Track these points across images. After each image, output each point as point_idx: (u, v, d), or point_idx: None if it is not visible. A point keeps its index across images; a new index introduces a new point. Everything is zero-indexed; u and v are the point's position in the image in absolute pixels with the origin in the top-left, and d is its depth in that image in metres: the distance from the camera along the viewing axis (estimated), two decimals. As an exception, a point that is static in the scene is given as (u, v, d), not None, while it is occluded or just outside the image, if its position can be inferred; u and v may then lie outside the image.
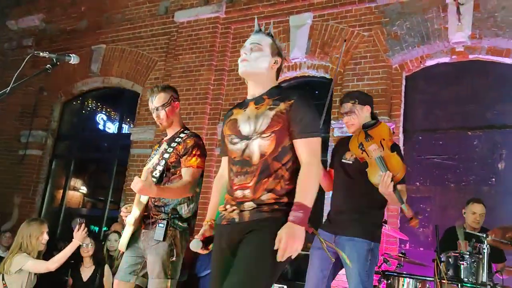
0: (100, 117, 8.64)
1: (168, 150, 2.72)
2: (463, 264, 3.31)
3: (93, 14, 7.72)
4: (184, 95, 6.30)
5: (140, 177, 2.37)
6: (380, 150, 2.74)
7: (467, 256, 3.32)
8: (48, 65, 2.22)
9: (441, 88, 5.15)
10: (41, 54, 2.17)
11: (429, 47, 5.07)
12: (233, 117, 2.08)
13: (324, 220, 3.05)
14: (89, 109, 8.47)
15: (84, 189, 8.72)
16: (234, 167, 1.98)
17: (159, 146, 2.90)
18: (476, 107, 4.91)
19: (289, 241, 1.69)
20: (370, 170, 2.73)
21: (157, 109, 2.77)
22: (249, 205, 1.90)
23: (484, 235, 3.24)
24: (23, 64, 2.24)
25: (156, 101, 2.77)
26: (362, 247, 2.73)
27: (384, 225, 3.78)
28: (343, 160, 2.91)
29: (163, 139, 2.95)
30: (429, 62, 5.20)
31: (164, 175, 2.68)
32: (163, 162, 2.69)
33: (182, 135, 2.78)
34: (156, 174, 2.67)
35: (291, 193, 1.89)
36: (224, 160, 2.15)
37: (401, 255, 3.85)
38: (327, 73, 5.69)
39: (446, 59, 5.11)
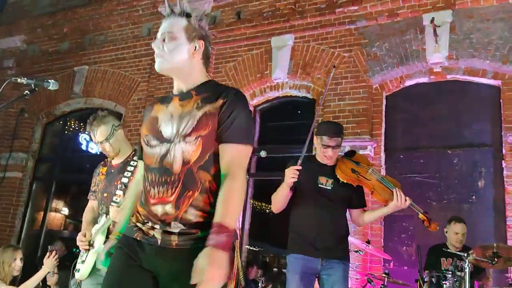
0: (83, 138, 8.53)
1: (126, 175, 2.68)
2: (445, 283, 3.33)
3: (76, 35, 7.71)
4: (167, 116, 6.30)
5: None
6: (377, 172, 2.98)
7: (450, 275, 3.34)
8: (26, 92, 2.20)
9: (420, 108, 5.24)
10: (19, 80, 2.15)
11: (408, 67, 5.18)
12: (153, 115, 1.72)
13: (292, 243, 2.99)
14: (71, 129, 8.38)
15: (65, 211, 8.57)
16: (150, 175, 1.63)
17: (107, 171, 2.85)
18: (455, 126, 5.01)
19: (212, 271, 1.35)
20: (376, 191, 2.91)
21: (100, 143, 2.75)
22: (175, 225, 1.56)
23: (465, 254, 3.27)
24: (2, 87, 2.21)
25: (98, 135, 2.74)
26: (347, 269, 2.92)
27: (367, 245, 3.81)
28: (319, 185, 2.94)
29: (108, 162, 2.90)
30: (408, 82, 5.31)
31: None
32: (122, 186, 2.65)
33: (134, 159, 2.76)
34: (116, 199, 2.64)
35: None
36: (141, 164, 1.79)
37: (384, 275, 3.86)
38: (309, 93, 5.75)
39: (424, 79, 5.22)
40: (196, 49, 1.70)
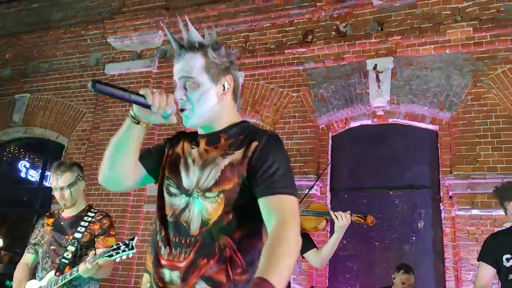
0: (23, 165, 8.11)
1: (79, 230, 2.59)
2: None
3: (18, 62, 7.41)
4: (112, 149, 6.12)
5: None
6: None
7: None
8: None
9: (364, 149, 5.40)
10: None
11: (353, 109, 5.35)
12: (177, 153, 1.45)
13: None
14: (10, 155, 7.94)
15: (0, 242, 8.03)
16: (164, 230, 1.36)
17: (56, 222, 2.73)
18: (396, 167, 5.18)
19: None
20: (303, 227, 3.06)
21: (61, 189, 2.64)
22: None
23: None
24: None
25: (61, 180, 2.64)
26: None
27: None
28: None
29: (56, 213, 2.79)
30: (353, 124, 5.47)
31: (77, 254, 2.55)
32: (75, 242, 2.55)
33: (91, 213, 2.68)
34: (68, 255, 2.52)
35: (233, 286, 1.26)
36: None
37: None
38: (258, 130, 5.77)
39: (368, 121, 5.40)
40: (225, 88, 1.42)
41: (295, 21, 5.85)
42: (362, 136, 5.43)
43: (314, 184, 4.39)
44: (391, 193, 5.14)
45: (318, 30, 5.70)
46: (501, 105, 4.74)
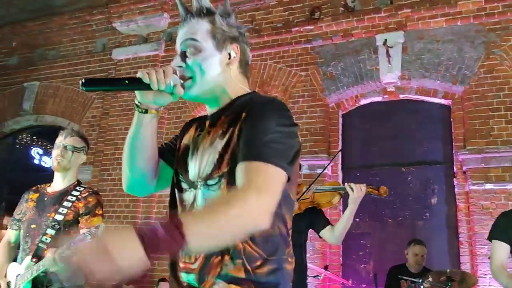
0: (36, 151, 8.19)
1: (61, 211, 2.39)
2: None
3: (25, 50, 7.40)
4: (122, 134, 6.14)
5: None
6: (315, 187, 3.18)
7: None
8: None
9: (375, 126, 5.34)
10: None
11: (363, 87, 5.27)
12: (184, 143, 1.33)
13: None
14: (23, 143, 8.02)
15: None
16: None
17: (39, 198, 2.53)
18: (408, 144, 5.13)
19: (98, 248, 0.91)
20: (318, 202, 3.08)
21: (65, 147, 2.50)
22: None
23: (420, 280, 3.35)
24: None
25: (69, 139, 2.53)
26: None
27: (325, 270, 3.84)
28: None
29: (42, 188, 2.60)
30: (363, 101, 5.40)
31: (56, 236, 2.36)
32: (55, 225, 2.37)
33: (78, 190, 2.49)
34: (46, 239, 2.33)
35: (255, 282, 1.12)
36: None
37: (342, 297, 3.88)
38: (267, 111, 5.74)
39: (378, 98, 5.33)
40: (232, 57, 1.27)
41: (301, -3, 5.74)
42: (373, 113, 5.37)
43: (327, 165, 4.37)
44: (403, 169, 5.10)
45: (325, 6, 5.58)
46: (515, 77, 4.64)
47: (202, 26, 1.26)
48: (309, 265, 3.50)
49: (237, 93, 1.28)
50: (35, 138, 8.10)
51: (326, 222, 3.12)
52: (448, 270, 3.50)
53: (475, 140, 4.62)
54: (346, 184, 3.01)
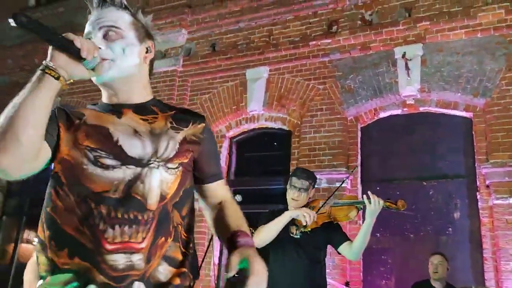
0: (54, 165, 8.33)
1: None
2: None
3: (47, 66, 7.56)
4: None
5: None
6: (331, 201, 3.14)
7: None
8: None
9: (395, 139, 5.28)
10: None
11: (382, 100, 5.23)
12: (95, 123, 1.23)
13: None
14: (43, 159, 8.16)
15: (35, 241, 8.29)
16: (104, 208, 1.13)
17: None
18: (429, 157, 5.04)
19: (262, 272, 1.14)
20: (335, 216, 3.02)
21: None
22: None
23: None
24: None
25: None
26: None
27: (346, 286, 3.77)
28: (291, 235, 2.91)
29: None
30: (382, 114, 5.35)
31: None
32: None
33: None
34: None
35: (189, 266, 1.23)
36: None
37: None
38: (284, 124, 5.74)
39: (398, 111, 5.27)
40: (148, 51, 1.35)
41: (318, 12, 5.75)
42: (393, 126, 5.32)
43: (344, 181, 4.34)
44: (425, 183, 5.01)
45: (343, 20, 5.59)
46: (538, 88, 4.55)
47: (123, 16, 1.31)
48: (329, 280, 3.43)
49: (148, 91, 1.35)
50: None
51: (345, 238, 3.05)
52: (473, 287, 3.38)
53: (498, 153, 4.52)
54: (364, 195, 2.94)
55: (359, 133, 5.39)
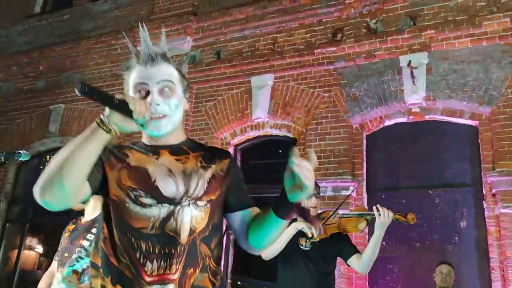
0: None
1: (88, 237, 2.48)
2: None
3: (52, 73, 7.59)
4: (146, 156, 6.20)
5: None
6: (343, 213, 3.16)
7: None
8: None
9: (401, 147, 5.27)
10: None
11: (387, 108, 5.23)
12: (136, 164, 1.38)
13: None
14: (48, 165, 8.14)
15: (40, 249, 8.26)
16: (144, 244, 1.29)
17: (74, 229, 2.65)
18: (434, 165, 5.03)
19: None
20: (345, 227, 3.01)
21: None
22: None
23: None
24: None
25: None
26: None
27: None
28: (300, 246, 2.90)
29: (78, 219, 2.71)
30: (388, 122, 5.34)
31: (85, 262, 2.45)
32: (81, 251, 2.45)
33: None
34: (73, 264, 2.43)
35: None
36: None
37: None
38: (290, 132, 5.74)
39: (403, 119, 5.26)
40: (187, 101, 1.49)
41: (323, 20, 5.77)
42: (398, 134, 5.31)
43: (351, 193, 4.36)
44: (430, 192, 5.00)
45: (347, 28, 5.60)
46: (544, 97, 4.55)
47: (173, 71, 1.43)
48: (336, 290, 3.42)
49: (183, 132, 1.50)
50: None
51: (354, 250, 3.04)
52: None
53: (504, 161, 4.51)
54: (374, 207, 2.93)
55: (365, 141, 5.38)
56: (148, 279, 1.26)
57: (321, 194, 4.95)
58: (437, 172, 5.01)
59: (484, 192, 4.65)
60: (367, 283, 4.84)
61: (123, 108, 1.25)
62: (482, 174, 4.71)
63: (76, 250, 2.48)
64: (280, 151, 6.05)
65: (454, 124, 5.07)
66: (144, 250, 1.28)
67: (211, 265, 1.36)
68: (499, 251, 4.41)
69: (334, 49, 5.53)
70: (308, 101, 5.57)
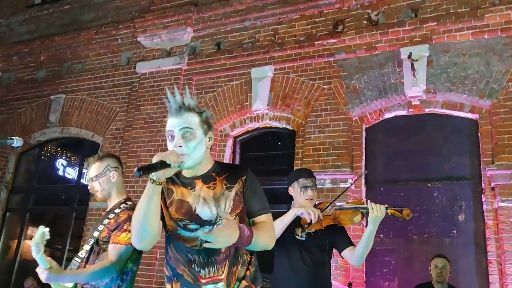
0: (60, 163, 8.32)
1: (99, 228, 2.46)
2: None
3: (53, 63, 7.58)
4: (145, 146, 6.20)
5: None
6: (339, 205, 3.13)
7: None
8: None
9: (400, 140, 5.25)
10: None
11: (387, 100, 5.20)
12: (180, 198, 1.85)
13: None
14: (48, 155, 8.16)
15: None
16: (193, 257, 1.79)
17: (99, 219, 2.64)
18: (434, 159, 5.01)
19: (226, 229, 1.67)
20: (340, 220, 2.97)
21: (91, 180, 2.54)
22: None
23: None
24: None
25: (90, 171, 2.56)
26: None
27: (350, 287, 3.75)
28: (296, 236, 2.89)
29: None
30: (388, 115, 5.32)
31: (93, 251, 2.44)
32: (90, 241, 2.44)
33: (120, 208, 2.51)
34: (81, 254, 2.42)
35: (258, 279, 1.88)
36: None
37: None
38: (289, 124, 5.72)
39: (403, 112, 5.24)
40: (210, 140, 1.88)
41: (324, 11, 5.73)
42: (398, 127, 5.28)
43: (350, 186, 4.35)
44: (429, 185, 4.98)
45: (348, 19, 5.56)
46: (545, 90, 4.51)
47: (194, 119, 1.84)
48: (332, 281, 3.42)
49: (211, 160, 1.93)
50: (60, 150, 8.25)
51: (349, 242, 3.03)
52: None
53: (504, 155, 4.48)
54: (369, 202, 2.90)
55: (364, 134, 5.36)
56: (203, 281, 1.78)
57: (320, 187, 4.95)
58: (436, 165, 4.99)
59: (483, 185, 4.63)
60: (364, 275, 4.85)
61: (164, 165, 1.66)
62: (481, 167, 4.69)
63: (87, 241, 2.50)
64: (279, 143, 6.05)
65: (454, 117, 5.05)
66: (197, 261, 1.79)
67: (246, 257, 1.87)
68: (497, 244, 4.40)
69: (334, 40, 5.49)
70: (308, 93, 5.55)
